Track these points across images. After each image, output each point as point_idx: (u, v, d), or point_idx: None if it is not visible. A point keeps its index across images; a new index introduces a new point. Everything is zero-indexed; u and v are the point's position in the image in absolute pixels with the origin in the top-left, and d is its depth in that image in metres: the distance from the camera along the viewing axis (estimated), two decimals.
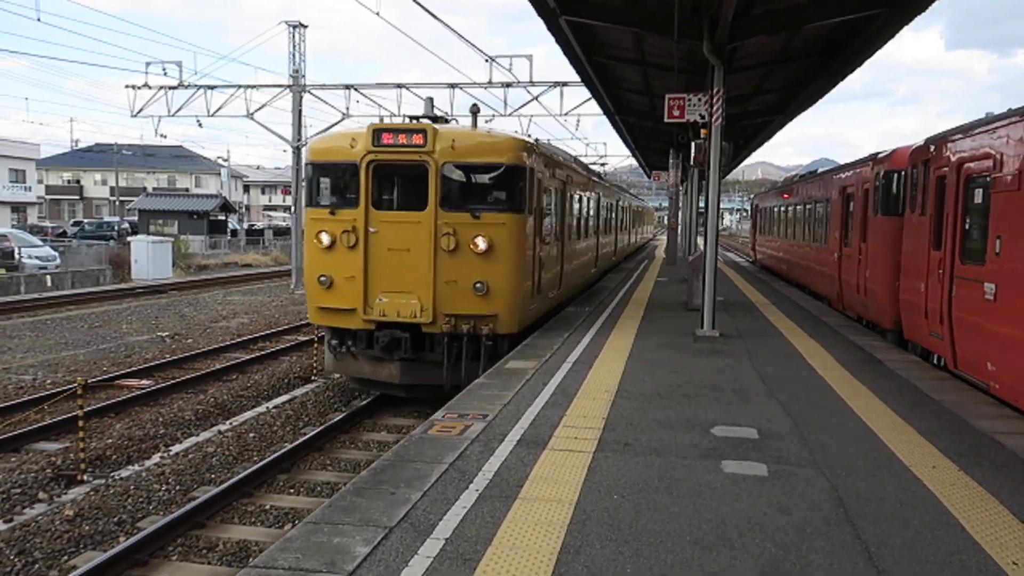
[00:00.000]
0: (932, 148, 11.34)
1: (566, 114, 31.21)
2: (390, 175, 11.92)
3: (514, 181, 11.48)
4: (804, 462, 6.45)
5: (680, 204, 34.44)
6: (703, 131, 13.28)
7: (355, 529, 4.94)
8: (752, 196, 54.72)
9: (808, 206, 21.88)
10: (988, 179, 9.22)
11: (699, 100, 13.01)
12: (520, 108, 29.90)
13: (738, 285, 23.51)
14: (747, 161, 55.37)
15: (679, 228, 34.00)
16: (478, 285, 11.11)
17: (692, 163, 19.14)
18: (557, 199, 14.80)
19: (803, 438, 7.13)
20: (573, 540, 4.83)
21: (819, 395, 8.89)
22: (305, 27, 30.99)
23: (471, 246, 11.08)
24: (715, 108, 12.47)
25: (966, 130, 10.22)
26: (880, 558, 4.69)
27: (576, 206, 17.54)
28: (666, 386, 9.14)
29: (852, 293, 15.98)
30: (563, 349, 11.39)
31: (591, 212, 20.47)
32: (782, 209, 27.15)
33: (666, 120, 13.43)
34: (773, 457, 6.54)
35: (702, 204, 23.80)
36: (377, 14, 16.03)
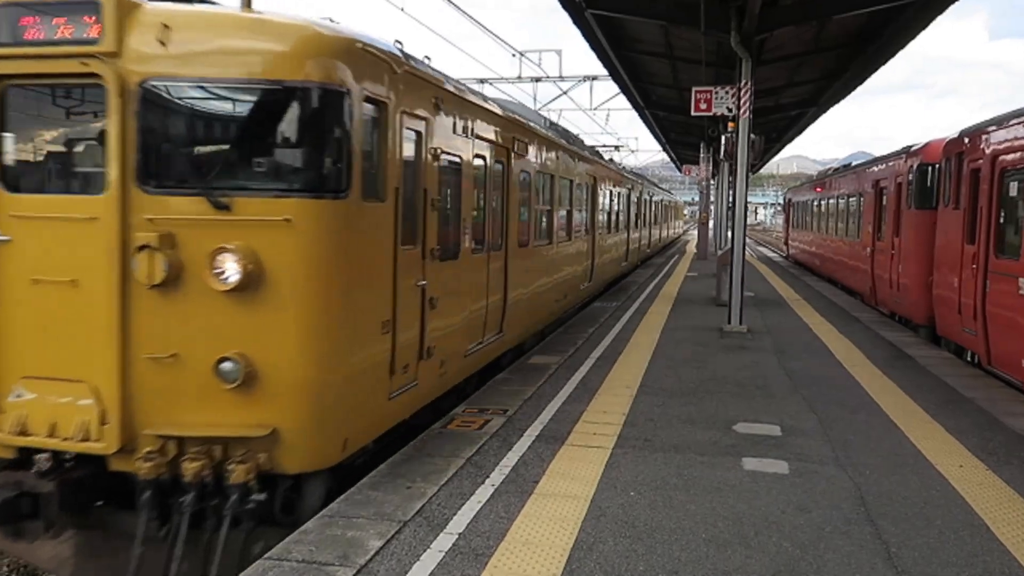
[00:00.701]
0: (966, 140, 11.08)
1: (596, 108, 31.06)
2: (38, 108, 5.61)
3: (318, 123, 5.32)
4: (826, 460, 6.34)
5: (712, 198, 34.12)
6: (731, 124, 13.12)
7: (369, 523, 4.96)
8: (786, 190, 53.97)
9: (841, 200, 21.53)
10: None
11: (726, 93, 12.85)
12: (549, 103, 29.79)
13: (769, 280, 23.23)
14: (782, 154, 54.60)
15: (710, 222, 33.69)
16: (225, 366, 5.08)
17: (722, 156, 18.96)
18: (488, 177, 8.81)
19: (827, 435, 7.01)
20: (586, 536, 4.81)
21: (846, 392, 8.74)
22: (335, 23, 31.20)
23: (210, 273, 5.07)
24: (743, 101, 12.30)
25: (1001, 122, 9.96)
26: (900, 559, 4.60)
27: (544, 194, 11.46)
28: (689, 382, 9.05)
29: (885, 288, 15.69)
30: (587, 344, 11.34)
31: (578, 204, 14.30)
32: (815, 203, 26.75)
33: (693, 113, 13.28)
34: (795, 454, 6.45)
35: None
36: (402, 9, 16.03)
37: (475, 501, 5.32)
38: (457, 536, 4.78)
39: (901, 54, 15.46)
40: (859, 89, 19.57)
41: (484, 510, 5.19)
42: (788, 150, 42.26)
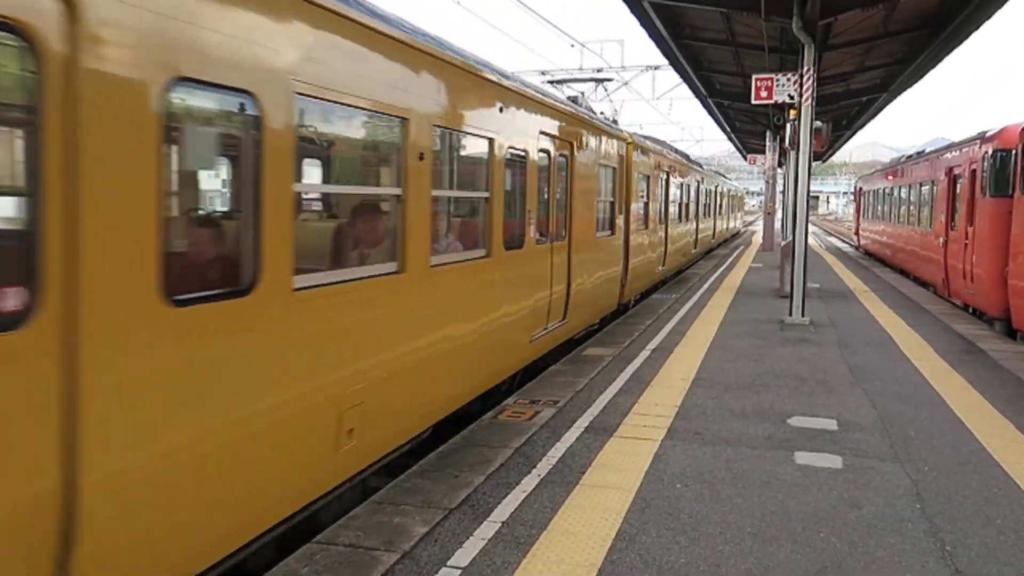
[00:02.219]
0: None
1: (658, 98, 30.65)
2: None
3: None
4: (884, 455, 6.17)
5: (780, 188, 33.31)
6: (792, 112, 12.81)
7: (415, 510, 5.06)
8: (857, 178, 52.32)
9: (913, 188, 20.80)
10: None
11: (788, 80, 12.54)
12: (610, 93, 29.53)
13: (837, 272, 22.61)
14: (856, 142, 52.86)
15: (777, 212, 32.90)
16: None
17: (788, 145, 18.49)
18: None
19: (886, 430, 6.82)
20: (629, 528, 4.80)
21: (910, 386, 8.48)
22: None
23: None
24: (805, 87, 12.00)
25: None
26: (955, 557, 4.45)
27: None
28: (746, 375, 8.91)
29: (958, 279, 15.12)
30: (643, 336, 11.26)
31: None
32: (886, 192, 25.90)
33: (753, 101, 13.01)
34: (850, 449, 6.30)
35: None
36: (458, 2, 16.12)
37: (520, 491, 5.37)
38: (500, 524, 4.83)
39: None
40: (942, 66, 18.80)
41: (529, 500, 5.23)
42: (862, 137, 40.82)
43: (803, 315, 12.61)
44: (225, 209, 4.61)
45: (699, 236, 25.43)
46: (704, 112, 28.67)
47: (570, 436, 6.59)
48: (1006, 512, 5.09)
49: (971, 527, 4.86)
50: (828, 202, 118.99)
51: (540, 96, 8.79)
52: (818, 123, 13.67)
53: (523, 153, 8.10)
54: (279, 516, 4.34)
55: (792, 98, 12.52)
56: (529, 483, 5.52)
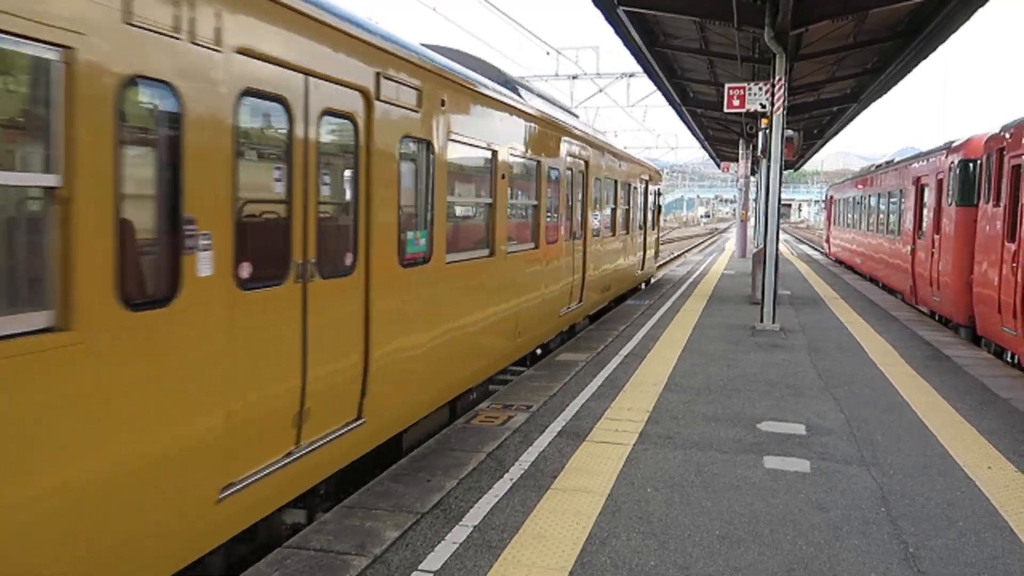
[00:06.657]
0: (1008, 135, 10.82)
1: (633, 105, 30.90)
2: None
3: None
4: (851, 459, 6.28)
5: (753, 195, 33.68)
6: (764, 120, 12.99)
7: (388, 514, 5.06)
8: (828, 186, 53.06)
9: (882, 197, 21.16)
10: None
11: (760, 89, 12.72)
12: (586, 100, 29.74)
13: (808, 279, 22.90)
14: (828, 150, 53.73)
15: (750, 220, 33.25)
16: None
17: (760, 153, 18.73)
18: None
19: (853, 435, 6.93)
20: (600, 531, 4.84)
21: (877, 392, 8.62)
22: None
23: None
24: (776, 97, 12.17)
25: None
26: (918, 559, 4.54)
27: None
28: (717, 380, 9.01)
29: (925, 287, 15.40)
30: (617, 341, 11.34)
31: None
32: (856, 200, 26.31)
33: (726, 110, 13.18)
34: (818, 453, 6.39)
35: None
36: (434, 9, 16.17)
37: (492, 495, 5.39)
38: (472, 529, 4.85)
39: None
40: (912, 79, 19.14)
41: (500, 504, 5.25)
42: (835, 146, 41.51)
43: (774, 321, 12.77)
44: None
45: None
46: (678, 120, 28.92)
47: (543, 441, 6.62)
48: (968, 514, 5.20)
49: (934, 529, 4.96)
50: (800, 210, 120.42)
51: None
52: (790, 132, 13.88)
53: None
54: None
55: (764, 107, 12.70)
56: (501, 487, 5.54)
